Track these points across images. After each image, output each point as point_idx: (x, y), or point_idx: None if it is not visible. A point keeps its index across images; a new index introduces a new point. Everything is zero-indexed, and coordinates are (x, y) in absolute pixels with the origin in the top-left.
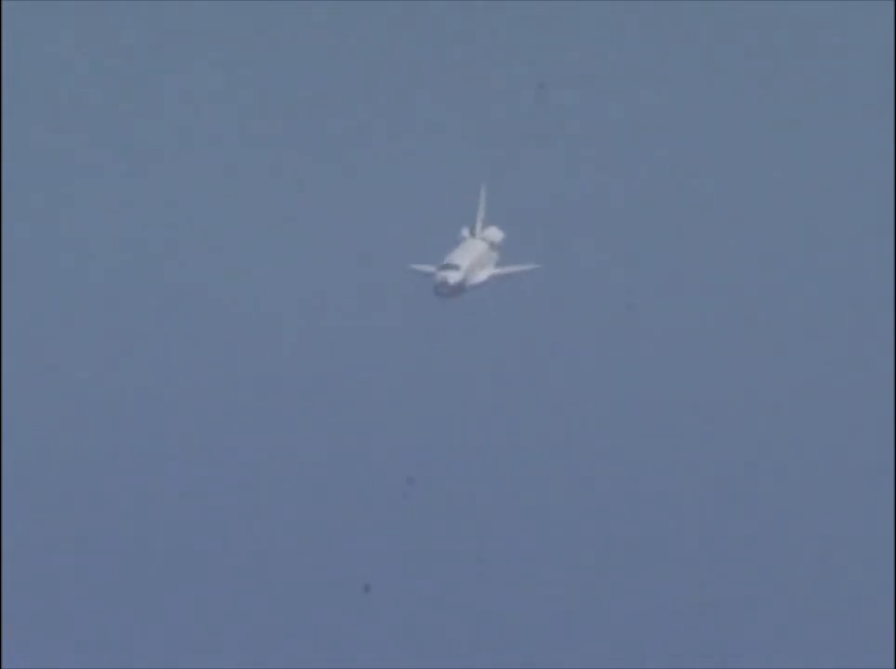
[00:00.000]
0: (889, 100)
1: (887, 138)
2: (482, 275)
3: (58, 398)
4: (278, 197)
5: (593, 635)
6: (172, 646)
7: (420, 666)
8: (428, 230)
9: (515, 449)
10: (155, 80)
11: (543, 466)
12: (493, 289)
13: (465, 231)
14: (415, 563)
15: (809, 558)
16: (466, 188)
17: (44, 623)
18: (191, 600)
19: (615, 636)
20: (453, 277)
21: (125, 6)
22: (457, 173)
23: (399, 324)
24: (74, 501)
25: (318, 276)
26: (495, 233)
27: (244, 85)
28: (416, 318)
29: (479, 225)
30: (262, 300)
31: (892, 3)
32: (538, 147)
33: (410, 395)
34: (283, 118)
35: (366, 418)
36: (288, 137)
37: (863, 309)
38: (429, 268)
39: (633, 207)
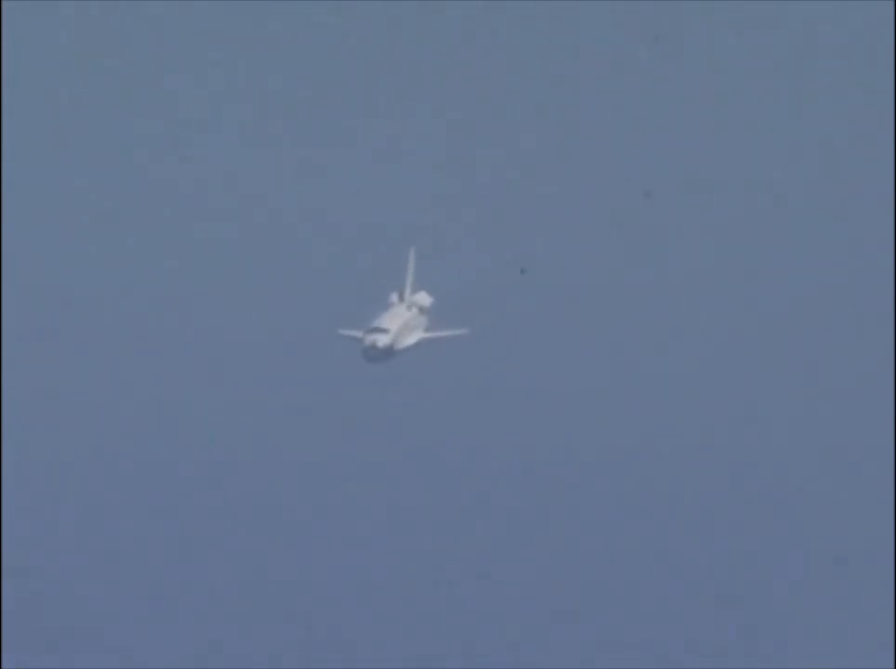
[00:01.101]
0: (890, 100)
1: (887, 138)
2: (411, 339)
3: (54, 401)
4: (206, 263)
5: (593, 634)
6: (172, 646)
7: (420, 666)
8: (358, 296)
9: (446, 512)
10: (146, 81)
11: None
12: (422, 353)
13: (393, 296)
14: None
15: (808, 558)
16: (394, 251)
17: (44, 623)
18: (191, 600)
19: (616, 636)
20: (381, 340)
21: (125, 7)
22: (384, 236)
23: (329, 389)
24: (74, 501)
25: (244, 340)
26: (424, 298)
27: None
28: (346, 382)
29: (407, 290)
30: (195, 365)
31: (892, 3)
32: (467, 209)
33: (341, 457)
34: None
35: (298, 480)
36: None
37: (862, 309)
38: (358, 333)
39: (564, 270)
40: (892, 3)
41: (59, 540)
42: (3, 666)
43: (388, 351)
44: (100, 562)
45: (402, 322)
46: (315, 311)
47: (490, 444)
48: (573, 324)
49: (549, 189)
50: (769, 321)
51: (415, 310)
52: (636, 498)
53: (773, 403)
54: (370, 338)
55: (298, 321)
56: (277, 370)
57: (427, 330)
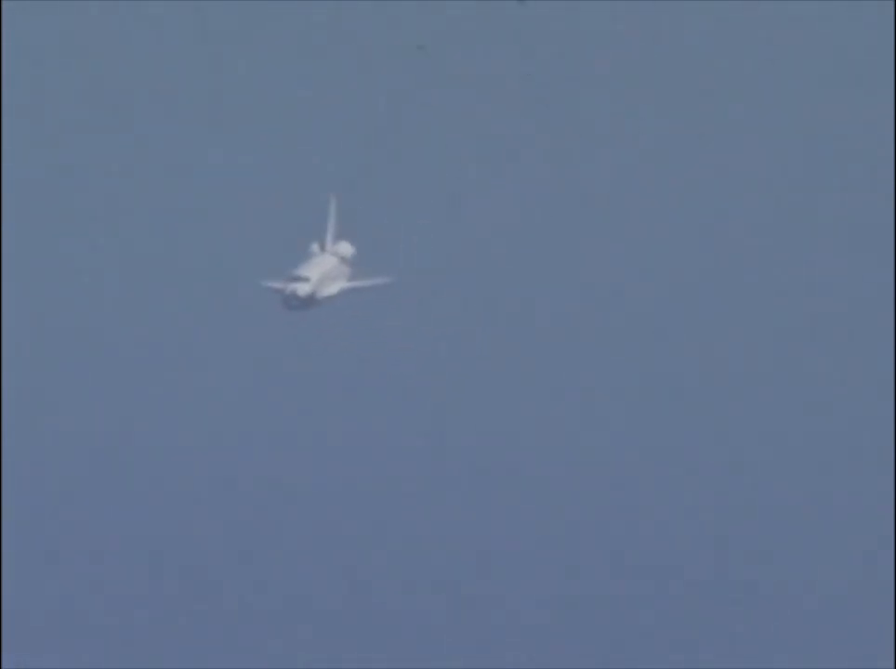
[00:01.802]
0: (890, 100)
1: (887, 138)
2: (333, 288)
3: (56, 400)
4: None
5: (593, 635)
6: (172, 646)
7: (420, 666)
8: (278, 247)
9: (365, 463)
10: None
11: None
12: (343, 302)
13: (315, 246)
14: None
15: (809, 559)
16: (315, 200)
17: (44, 623)
18: (191, 601)
19: (615, 636)
20: (302, 289)
21: (125, 6)
22: (307, 184)
23: (251, 341)
24: (74, 501)
25: (168, 294)
26: (346, 248)
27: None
28: (269, 333)
29: (329, 239)
30: (125, 323)
31: (892, 3)
32: (394, 157)
33: (265, 410)
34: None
35: (224, 434)
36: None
37: (863, 309)
38: (280, 285)
39: (492, 216)
40: (892, 3)
41: (60, 540)
42: (3, 666)
43: (309, 299)
44: (100, 563)
45: (323, 271)
46: (237, 264)
47: (406, 394)
48: (497, 274)
49: (479, 144)
50: (769, 320)
51: (336, 260)
52: (563, 454)
53: (773, 403)
54: (290, 287)
55: (220, 273)
56: (200, 322)
57: (349, 279)
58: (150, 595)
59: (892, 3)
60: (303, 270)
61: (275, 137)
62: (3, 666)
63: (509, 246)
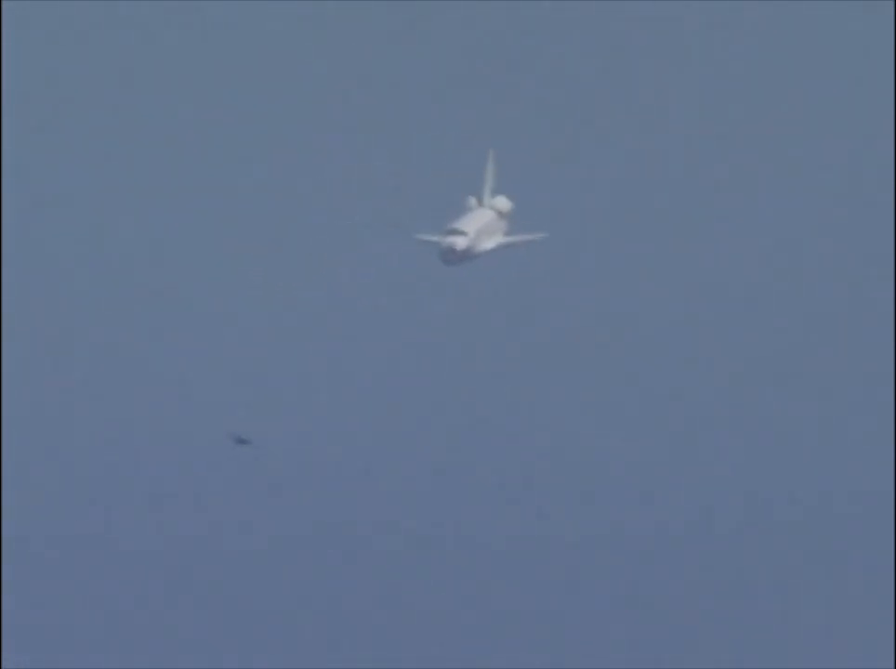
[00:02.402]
0: (890, 100)
1: (887, 138)
2: (490, 243)
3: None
4: (283, 173)
5: (593, 634)
6: (172, 646)
7: (420, 666)
8: (434, 200)
9: (517, 423)
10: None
11: (542, 445)
12: (500, 256)
13: (472, 200)
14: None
15: (809, 559)
16: (474, 156)
17: (44, 623)
18: (190, 601)
19: (615, 637)
20: (459, 243)
21: (125, 6)
22: (465, 141)
23: (406, 295)
24: (74, 502)
25: (324, 249)
26: (504, 202)
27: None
28: (424, 288)
29: (486, 194)
30: (277, 276)
31: (892, 3)
32: (549, 116)
33: (416, 366)
34: (280, 94)
35: (376, 390)
36: (283, 112)
37: (863, 310)
38: (435, 237)
39: (646, 182)
40: (892, 3)
41: (60, 539)
42: (3, 666)
43: (466, 253)
44: (100, 563)
45: (481, 225)
46: (391, 217)
47: (556, 349)
48: (656, 234)
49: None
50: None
51: (493, 214)
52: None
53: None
54: (448, 240)
55: (377, 227)
56: (356, 274)
57: (506, 234)
58: (150, 594)
59: (892, 3)
60: (460, 224)
61: (437, 92)
62: (3, 666)
63: (665, 201)
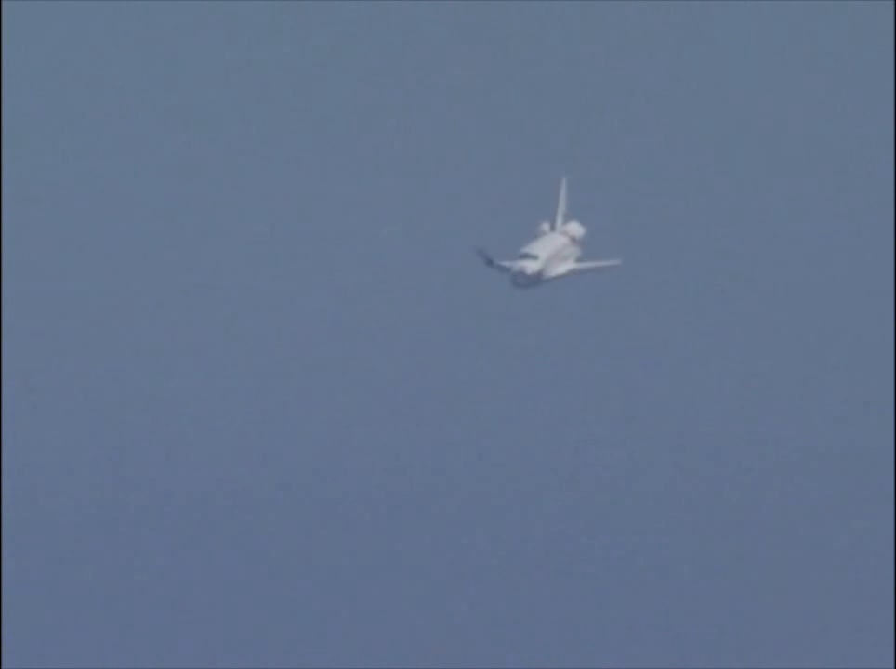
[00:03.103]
0: (890, 100)
1: (887, 138)
2: (561, 268)
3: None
4: (358, 193)
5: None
6: (172, 646)
7: (420, 666)
8: (507, 226)
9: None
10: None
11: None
12: (571, 282)
13: (545, 226)
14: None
15: (809, 559)
16: (547, 181)
17: (44, 623)
18: (189, 601)
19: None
20: (531, 267)
21: (126, 6)
22: (539, 166)
23: (476, 317)
24: (75, 502)
25: (398, 271)
26: (576, 228)
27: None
28: (494, 311)
29: (559, 219)
30: (353, 294)
31: (892, 3)
32: (623, 140)
33: (483, 386)
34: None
35: (437, 406)
36: (354, 131)
37: (863, 310)
38: (507, 262)
39: (722, 210)
40: (892, 3)
41: (60, 539)
42: (3, 666)
43: (537, 278)
44: (101, 563)
45: (553, 250)
46: (466, 241)
47: (628, 376)
48: (728, 260)
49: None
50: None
51: (566, 239)
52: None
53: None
54: (519, 265)
55: (449, 249)
56: (424, 296)
57: (578, 260)
58: (150, 595)
59: (892, 3)
60: (532, 248)
61: (509, 117)
62: (3, 666)
63: (742, 233)
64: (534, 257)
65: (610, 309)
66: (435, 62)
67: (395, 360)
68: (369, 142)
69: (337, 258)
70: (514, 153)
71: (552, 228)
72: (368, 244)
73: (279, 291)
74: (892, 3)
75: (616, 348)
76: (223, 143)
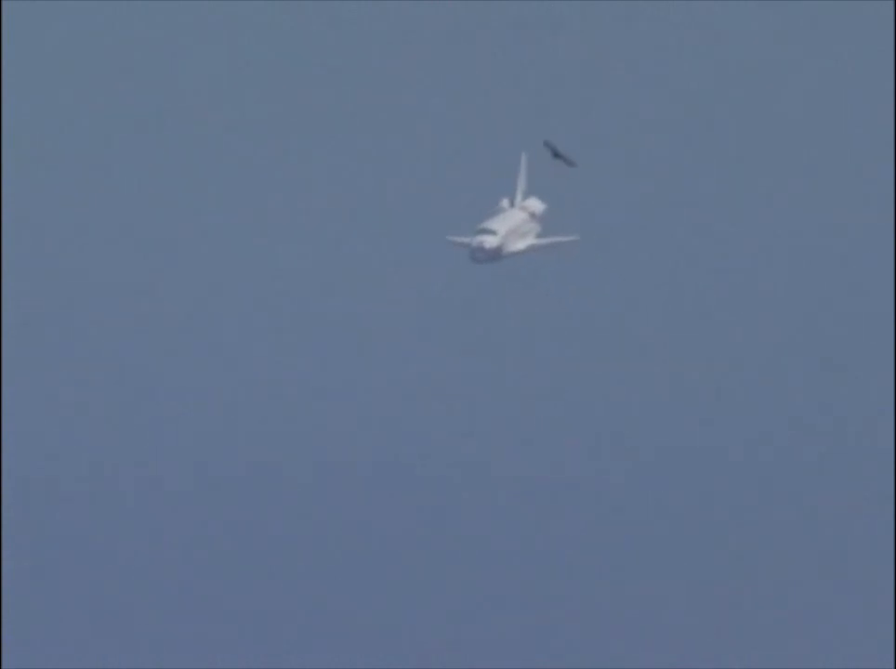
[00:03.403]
0: (890, 100)
1: (887, 138)
2: (521, 244)
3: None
4: (318, 175)
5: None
6: (172, 645)
7: (420, 666)
8: (466, 202)
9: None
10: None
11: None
12: (531, 258)
13: (504, 202)
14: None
15: (809, 559)
16: (506, 158)
17: (44, 623)
18: (190, 601)
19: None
20: (489, 241)
21: (125, 6)
22: (498, 142)
23: (435, 295)
24: (75, 501)
25: (354, 249)
26: (536, 204)
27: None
28: (453, 289)
29: (518, 195)
30: (310, 273)
31: (892, 3)
32: (582, 116)
33: (444, 364)
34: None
35: (401, 386)
36: (312, 109)
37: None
38: (467, 239)
39: (677, 182)
40: (892, 3)
41: (61, 539)
42: (3, 666)
43: (496, 253)
44: (100, 564)
45: (512, 225)
46: (424, 219)
47: (584, 354)
48: (686, 233)
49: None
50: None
51: (525, 215)
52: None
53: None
54: (478, 239)
55: (408, 228)
56: (384, 275)
57: (538, 236)
58: (150, 595)
59: (892, 3)
60: (491, 223)
61: (469, 94)
62: (3, 666)
63: (695, 203)
64: (493, 232)
65: (571, 287)
66: (394, 45)
67: (355, 347)
68: (329, 114)
69: (292, 236)
70: (473, 130)
71: (512, 204)
72: (320, 223)
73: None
74: (892, 3)
75: (580, 328)
76: (211, 143)
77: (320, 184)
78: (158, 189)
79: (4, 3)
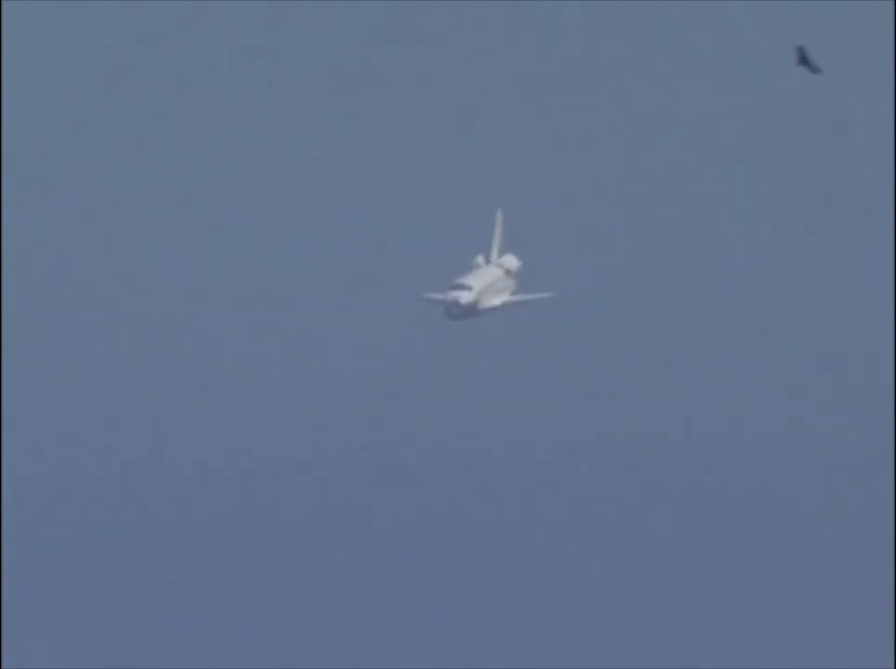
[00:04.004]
0: (889, 100)
1: (887, 138)
2: (496, 300)
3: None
4: (291, 221)
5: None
6: (172, 645)
7: (421, 666)
8: (442, 259)
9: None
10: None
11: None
12: (506, 314)
13: (479, 259)
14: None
15: (809, 559)
16: (483, 214)
17: (44, 622)
18: (190, 602)
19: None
20: (464, 297)
21: (126, 6)
22: (475, 198)
23: (412, 350)
24: (75, 501)
25: (328, 305)
26: (512, 261)
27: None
28: (427, 346)
29: (494, 252)
30: (284, 332)
31: (892, 3)
32: (560, 172)
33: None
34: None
35: (376, 436)
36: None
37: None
38: (441, 296)
39: (657, 236)
40: (892, 3)
41: (61, 540)
42: (3, 666)
43: (471, 309)
44: (101, 563)
45: (487, 282)
46: (399, 277)
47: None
48: (660, 290)
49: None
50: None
51: (501, 272)
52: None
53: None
54: (452, 295)
55: (384, 285)
56: (362, 336)
57: (514, 293)
58: (150, 594)
59: (892, 3)
60: (466, 279)
61: (443, 152)
62: (3, 666)
63: (677, 262)
64: (468, 288)
65: (547, 342)
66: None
67: (330, 396)
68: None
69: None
70: (450, 186)
71: (487, 261)
72: (294, 285)
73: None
74: (892, 3)
75: (555, 384)
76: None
77: (296, 241)
78: (135, 193)
79: (4, 3)
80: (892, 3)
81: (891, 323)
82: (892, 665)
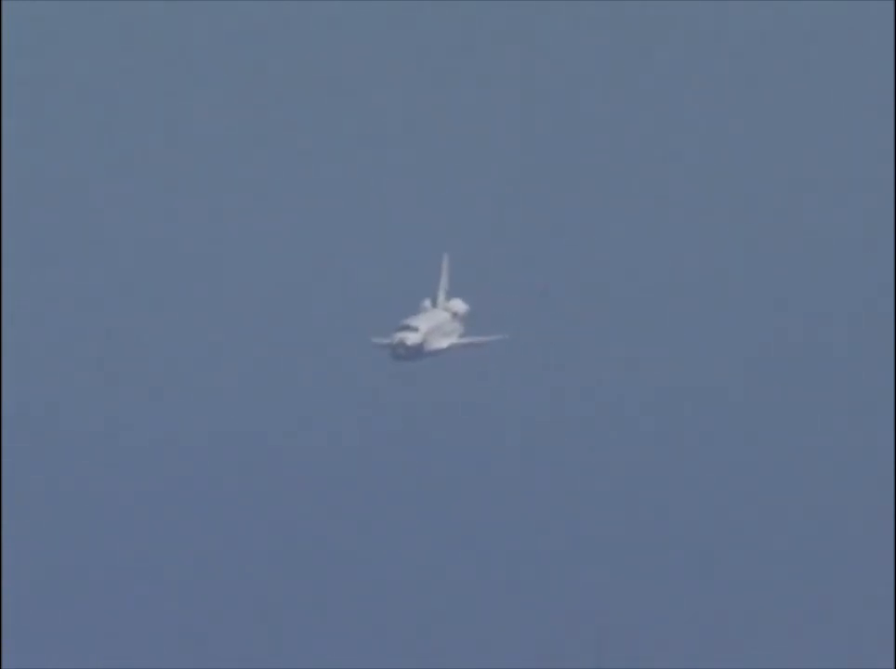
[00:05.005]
0: (890, 100)
1: (887, 138)
2: (444, 342)
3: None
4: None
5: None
6: (172, 645)
7: (420, 666)
8: (389, 304)
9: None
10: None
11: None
12: (453, 357)
13: (426, 302)
14: None
15: (809, 559)
16: (429, 258)
17: (44, 623)
18: (190, 602)
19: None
20: (411, 338)
21: (125, 6)
22: (422, 241)
23: (359, 394)
24: (75, 501)
25: (275, 353)
26: (459, 305)
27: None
28: (374, 391)
29: (441, 296)
30: (235, 378)
31: (892, 3)
32: (510, 214)
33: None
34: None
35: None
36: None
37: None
38: (387, 340)
39: (609, 280)
40: (892, 3)
41: (62, 540)
42: (3, 666)
43: (417, 350)
44: (100, 564)
45: (434, 324)
46: (347, 322)
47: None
48: (610, 333)
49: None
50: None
51: (448, 315)
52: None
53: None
54: (398, 336)
55: (331, 330)
56: (310, 382)
57: (461, 336)
58: (150, 594)
59: (892, 3)
60: (412, 321)
61: (392, 199)
62: (3, 666)
63: (623, 306)
64: (415, 329)
65: (490, 384)
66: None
67: (279, 450)
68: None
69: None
70: (395, 231)
71: (434, 304)
72: (245, 328)
73: None
74: (892, 3)
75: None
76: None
77: (254, 280)
78: (124, 195)
79: (4, 3)
80: (892, 3)
81: (891, 323)
82: (892, 665)
